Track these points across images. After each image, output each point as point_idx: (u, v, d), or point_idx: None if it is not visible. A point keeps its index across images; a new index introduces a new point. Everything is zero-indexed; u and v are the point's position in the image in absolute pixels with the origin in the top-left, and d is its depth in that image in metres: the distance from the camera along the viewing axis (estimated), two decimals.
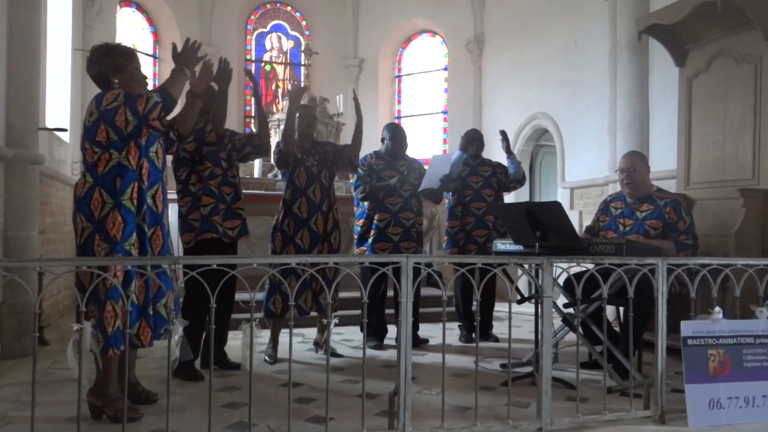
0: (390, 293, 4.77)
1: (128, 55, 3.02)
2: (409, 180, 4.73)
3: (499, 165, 5.22)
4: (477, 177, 5.06)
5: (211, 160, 3.77)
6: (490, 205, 4.98)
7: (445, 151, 10.78)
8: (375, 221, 4.67)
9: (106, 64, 2.95)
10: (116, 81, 2.95)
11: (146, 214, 2.89)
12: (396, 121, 10.93)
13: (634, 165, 4.02)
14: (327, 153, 4.38)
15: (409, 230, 4.70)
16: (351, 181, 4.87)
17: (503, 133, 5.08)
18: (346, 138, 10.39)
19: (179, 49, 3.00)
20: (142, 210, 2.87)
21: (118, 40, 9.20)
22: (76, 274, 2.73)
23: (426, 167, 4.95)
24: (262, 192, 6.83)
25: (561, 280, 3.59)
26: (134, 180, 2.85)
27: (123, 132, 2.80)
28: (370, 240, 4.67)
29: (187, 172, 3.76)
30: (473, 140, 5.14)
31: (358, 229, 4.77)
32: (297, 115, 4.31)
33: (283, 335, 4.29)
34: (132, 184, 2.84)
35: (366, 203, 4.71)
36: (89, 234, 2.80)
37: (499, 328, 5.20)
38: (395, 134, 4.82)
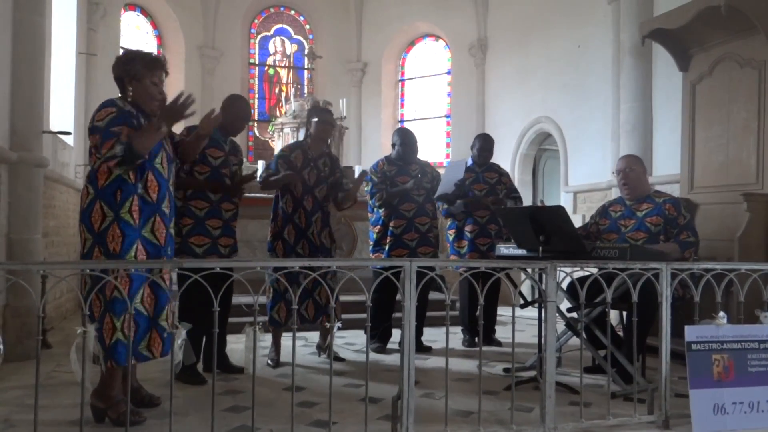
0: (399, 297, 4.77)
1: (150, 66, 2.97)
2: (423, 184, 4.72)
3: (506, 174, 5.20)
4: (482, 184, 5.03)
5: (215, 176, 3.75)
6: (493, 214, 4.97)
7: (448, 155, 10.78)
8: (391, 228, 4.64)
9: (127, 70, 2.94)
10: (130, 89, 2.95)
11: (156, 227, 2.88)
12: (399, 125, 10.94)
13: (630, 165, 4.05)
14: (333, 172, 4.33)
15: (425, 235, 4.69)
16: (365, 188, 4.85)
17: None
18: (349, 141, 10.42)
19: (179, 99, 2.85)
20: (151, 223, 2.87)
21: (122, 44, 9.24)
22: (81, 279, 2.73)
23: (438, 170, 4.95)
24: (265, 195, 6.82)
25: (564, 285, 3.59)
26: (133, 193, 2.83)
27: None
28: (386, 247, 4.64)
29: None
30: (483, 151, 5.10)
31: (373, 235, 4.75)
32: (316, 120, 4.26)
33: (286, 339, 4.30)
34: (131, 197, 2.82)
35: (381, 210, 4.69)
36: (90, 246, 2.82)
37: (502, 332, 5.19)
38: (405, 139, 4.80)
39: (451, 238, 5.08)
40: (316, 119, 4.28)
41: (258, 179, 4.22)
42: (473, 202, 4.93)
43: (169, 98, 2.92)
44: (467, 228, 4.97)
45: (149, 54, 3.06)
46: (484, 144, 5.14)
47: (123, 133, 2.77)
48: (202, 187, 3.72)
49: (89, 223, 2.82)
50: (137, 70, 2.94)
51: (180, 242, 3.65)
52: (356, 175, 8.30)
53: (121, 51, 8.98)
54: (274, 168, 4.21)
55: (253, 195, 6.45)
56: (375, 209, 4.73)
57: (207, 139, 3.33)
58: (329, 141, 4.47)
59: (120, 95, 2.99)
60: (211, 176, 3.74)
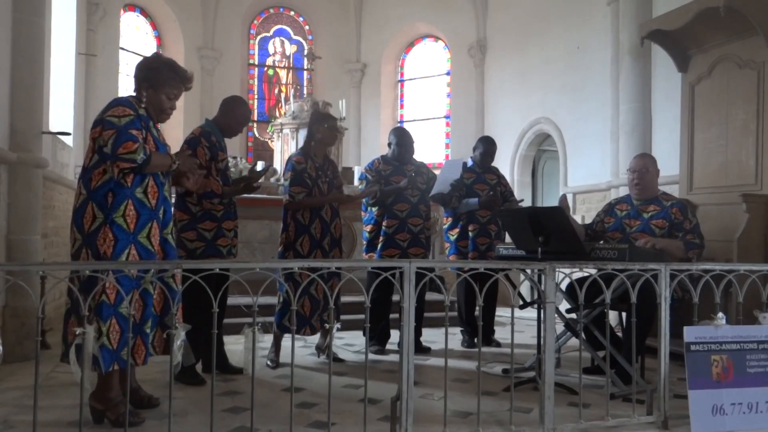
0: (396, 297, 4.77)
1: (172, 80, 2.96)
2: (417, 184, 4.71)
3: (504, 178, 5.23)
4: (482, 185, 5.03)
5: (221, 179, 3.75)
6: (493, 214, 4.97)
7: (447, 156, 10.77)
8: (383, 227, 4.64)
9: (147, 77, 2.93)
10: (145, 95, 2.94)
11: (152, 233, 2.86)
12: (399, 125, 10.94)
13: (646, 166, 4.03)
14: (335, 174, 4.37)
15: (417, 236, 4.68)
16: (360, 186, 4.85)
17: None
18: (348, 142, 10.41)
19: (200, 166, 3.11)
20: (148, 228, 2.85)
21: (121, 45, 9.24)
22: (72, 280, 2.70)
23: (436, 172, 4.96)
24: (265, 196, 6.83)
25: (563, 285, 3.59)
26: (128, 197, 2.80)
27: (99, 146, 2.78)
28: (378, 246, 4.64)
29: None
30: (486, 155, 5.10)
31: (366, 235, 4.74)
32: (326, 126, 4.24)
33: (286, 340, 4.29)
34: (125, 201, 2.79)
35: (374, 209, 4.69)
36: (78, 246, 2.80)
37: (501, 333, 5.19)
38: (401, 139, 4.80)
39: (453, 237, 5.07)
40: (326, 125, 4.25)
41: (287, 197, 4.14)
42: (489, 201, 4.87)
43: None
44: (469, 227, 4.98)
45: (177, 67, 3.02)
46: (488, 149, 5.11)
47: (141, 137, 2.79)
48: (239, 193, 3.79)
49: (81, 224, 2.79)
50: (158, 80, 2.92)
51: (205, 246, 3.66)
52: (356, 175, 8.32)
53: (120, 51, 9.01)
54: (305, 184, 4.11)
55: (252, 196, 6.45)
56: (368, 208, 4.73)
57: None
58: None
59: (134, 95, 2.99)
60: (221, 180, 3.74)
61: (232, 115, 3.86)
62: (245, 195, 4.00)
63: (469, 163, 5.14)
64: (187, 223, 3.68)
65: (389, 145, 4.86)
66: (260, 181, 4.02)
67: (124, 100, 2.89)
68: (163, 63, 3.00)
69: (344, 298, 4.75)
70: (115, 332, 2.73)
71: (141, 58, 3.12)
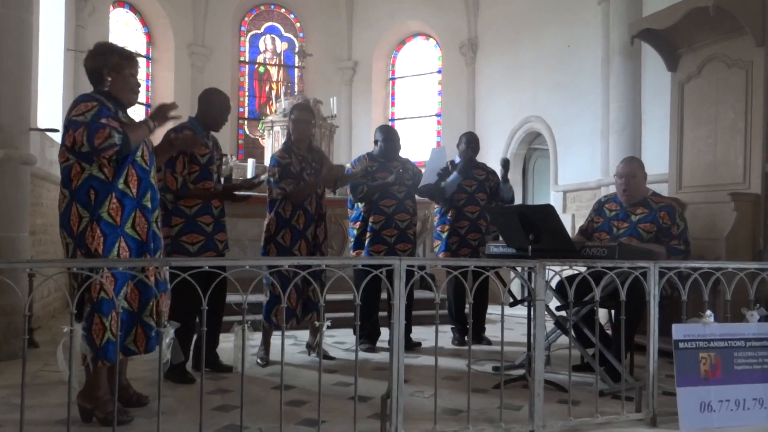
0: (383, 296, 4.77)
1: (128, 59, 3.00)
2: (403, 180, 4.72)
3: (493, 173, 5.23)
4: (471, 180, 5.06)
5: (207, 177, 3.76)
6: (483, 209, 4.99)
7: (439, 143, 10.75)
8: (370, 223, 4.65)
9: (104, 61, 2.94)
10: (109, 80, 2.93)
11: (137, 222, 2.85)
12: (390, 123, 10.93)
13: (633, 171, 3.98)
14: (322, 163, 4.34)
15: (404, 231, 4.69)
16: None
17: (505, 163, 5.08)
18: (339, 140, 10.39)
19: (167, 104, 3.07)
20: (132, 218, 2.83)
21: (111, 41, 9.16)
22: (69, 279, 2.70)
23: (419, 168, 4.96)
24: (255, 194, 6.79)
25: (554, 283, 3.60)
26: (111, 191, 2.78)
27: (76, 149, 2.73)
28: (366, 242, 4.65)
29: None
30: (470, 143, 5.14)
31: (354, 232, 4.73)
32: (291, 118, 4.27)
33: (275, 338, 4.29)
34: (109, 195, 2.78)
35: (361, 205, 4.69)
36: (72, 249, 2.79)
37: (491, 331, 5.20)
38: (388, 135, 4.82)
39: (443, 234, 5.06)
40: (292, 117, 4.29)
41: (276, 193, 4.16)
42: (465, 166, 4.99)
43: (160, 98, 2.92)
44: (459, 224, 4.98)
45: (124, 48, 3.10)
46: (471, 137, 5.21)
47: (113, 125, 2.75)
48: (212, 198, 3.74)
49: (69, 227, 2.78)
50: (116, 62, 2.94)
51: (171, 242, 3.63)
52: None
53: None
54: (293, 176, 4.13)
55: (243, 193, 6.42)
56: (355, 205, 4.73)
57: (174, 151, 3.37)
58: (311, 139, 4.45)
59: (93, 90, 2.97)
60: (200, 175, 3.72)
61: (211, 107, 3.87)
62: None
63: (457, 160, 5.14)
64: (184, 226, 3.68)
65: (376, 142, 4.87)
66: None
67: (84, 95, 2.89)
68: (112, 46, 3.07)
69: (334, 296, 4.74)
70: (116, 325, 2.71)
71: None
